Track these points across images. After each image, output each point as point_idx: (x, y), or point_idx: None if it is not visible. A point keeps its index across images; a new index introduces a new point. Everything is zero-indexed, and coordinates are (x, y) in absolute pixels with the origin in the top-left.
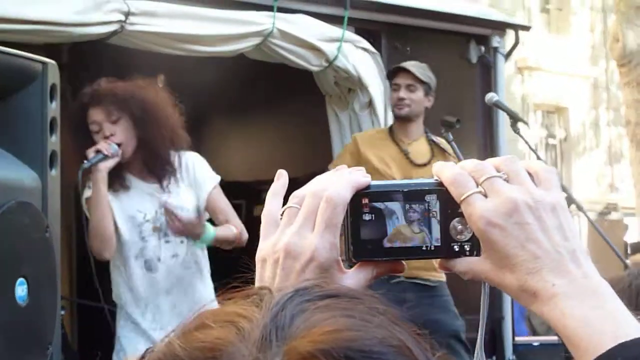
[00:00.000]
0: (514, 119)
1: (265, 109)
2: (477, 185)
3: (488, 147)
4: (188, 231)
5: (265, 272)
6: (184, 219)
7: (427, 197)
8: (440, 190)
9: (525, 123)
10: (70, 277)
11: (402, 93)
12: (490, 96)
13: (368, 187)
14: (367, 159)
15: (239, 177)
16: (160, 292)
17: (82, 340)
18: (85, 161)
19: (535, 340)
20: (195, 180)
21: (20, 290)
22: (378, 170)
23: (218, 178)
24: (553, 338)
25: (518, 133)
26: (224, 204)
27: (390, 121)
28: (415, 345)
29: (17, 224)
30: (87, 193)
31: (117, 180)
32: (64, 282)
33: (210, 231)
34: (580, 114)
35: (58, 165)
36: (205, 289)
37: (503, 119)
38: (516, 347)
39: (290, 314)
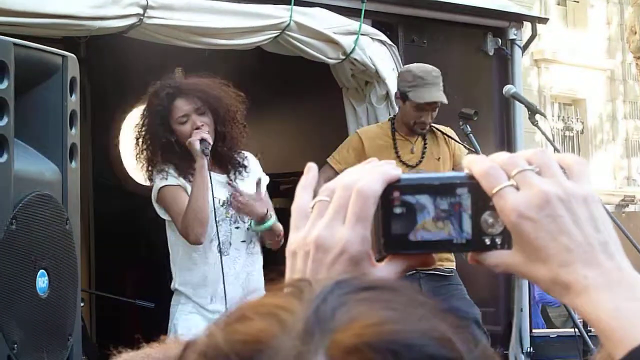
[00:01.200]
0: (532, 111)
1: (282, 102)
2: (509, 178)
3: (505, 139)
4: (250, 208)
5: (295, 265)
6: (246, 195)
7: (459, 190)
8: (472, 183)
9: (543, 115)
10: (89, 269)
11: (429, 118)
12: (508, 88)
13: (399, 180)
14: (369, 154)
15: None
16: (229, 276)
17: (100, 332)
18: (202, 148)
19: (553, 332)
20: (255, 177)
21: (41, 282)
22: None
23: (268, 179)
24: (570, 330)
25: (536, 125)
26: (271, 204)
27: None
28: (457, 337)
29: (38, 216)
30: (162, 183)
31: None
32: (83, 274)
33: (271, 218)
34: (597, 107)
35: (78, 157)
36: (261, 278)
37: (520, 111)
38: (533, 339)
39: (332, 306)
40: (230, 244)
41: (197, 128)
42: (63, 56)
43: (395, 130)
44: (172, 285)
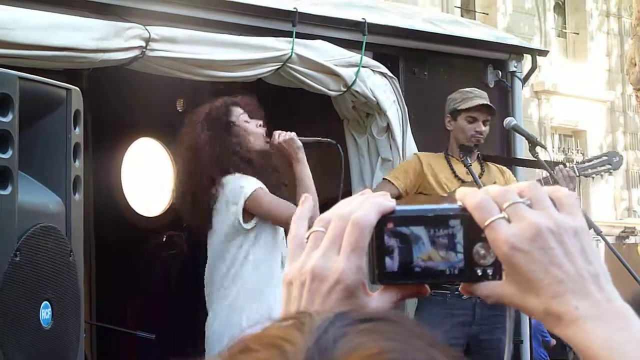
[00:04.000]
0: (532, 143)
1: None
2: (501, 210)
3: None
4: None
5: (291, 295)
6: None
7: (451, 222)
8: (464, 215)
9: (544, 147)
10: (90, 300)
11: (484, 127)
12: (509, 120)
13: (393, 211)
14: (427, 179)
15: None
16: None
17: None
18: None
19: None
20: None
21: (45, 313)
22: (441, 186)
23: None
24: None
25: (536, 157)
26: None
27: (409, 146)
28: None
29: (42, 248)
30: (256, 184)
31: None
32: (84, 305)
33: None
34: (598, 138)
35: (81, 190)
36: None
37: (521, 143)
38: None
39: (333, 337)
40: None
41: (260, 125)
42: (67, 89)
43: (450, 155)
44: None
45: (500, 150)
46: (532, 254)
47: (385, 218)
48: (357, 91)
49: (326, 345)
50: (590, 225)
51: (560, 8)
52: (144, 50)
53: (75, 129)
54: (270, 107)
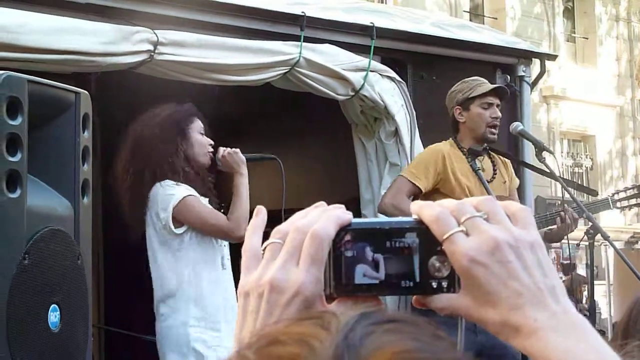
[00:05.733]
0: (539, 148)
1: (290, 138)
2: (459, 224)
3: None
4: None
5: (248, 306)
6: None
7: (407, 235)
8: (420, 228)
9: (551, 152)
10: (98, 304)
11: (498, 113)
12: (515, 125)
13: (350, 224)
14: (448, 178)
15: (265, 206)
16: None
17: None
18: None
19: None
20: None
21: (53, 316)
22: (461, 185)
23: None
24: None
25: (543, 162)
26: None
27: (417, 150)
28: None
29: (50, 251)
30: (186, 192)
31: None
32: (92, 309)
33: None
34: (607, 143)
35: (90, 193)
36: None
37: (529, 148)
38: None
39: (360, 335)
40: (226, 258)
41: (211, 144)
42: (76, 93)
43: (461, 147)
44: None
45: None
46: (491, 267)
47: (343, 230)
48: (365, 95)
49: (354, 342)
50: (598, 230)
51: (569, 12)
52: (152, 54)
53: (84, 132)
54: (278, 111)
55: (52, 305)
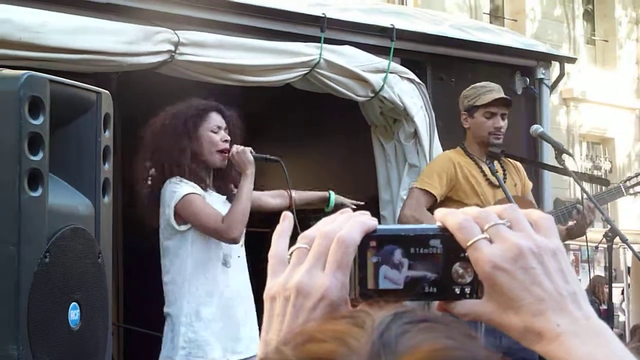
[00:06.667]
0: (559, 150)
1: (310, 139)
2: (483, 231)
3: (533, 178)
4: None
5: (274, 310)
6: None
7: (432, 242)
8: (444, 235)
9: (570, 155)
10: (117, 302)
11: (502, 122)
12: (535, 128)
13: (375, 230)
14: (461, 185)
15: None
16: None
17: None
18: (255, 153)
19: None
20: None
21: (73, 314)
22: (474, 190)
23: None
24: None
25: (563, 164)
26: None
27: (436, 152)
28: None
29: (71, 249)
30: (188, 189)
31: (205, 181)
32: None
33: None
34: (626, 146)
35: (110, 192)
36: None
37: (548, 150)
38: None
39: (395, 333)
40: (231, 256)
41: (226, 141)
42: (97, 92)
43: (469, 153)
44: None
45: (527, 157)
46: (514, 274)
47: (368, 236)
48: (384, 97)
49: (389, 340)
50: (617, 233)
51: (589, 15)
52: (173, 54)
53: (105, 132)
54: (298, 112)
55: (73, 303)
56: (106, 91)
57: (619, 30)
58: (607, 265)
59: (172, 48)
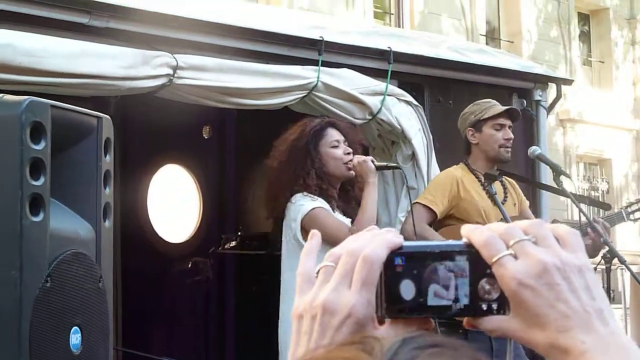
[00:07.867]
0: (557, 172)
1: None
2: (508, 247)
3: (530, 200)
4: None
5: (302, 328)
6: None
7: (457, 258)
8: (470, 251)
9: (568, 176)
10: (117, 326)
11: (511, 134)
12: (533, 149)
13: (401, 247)
14: (463, 198)
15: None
16: None
17: None
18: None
19: None
20: None
21: (75, 338)
22: (476, 207)
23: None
24: None
25: (560, 186)
26: None
27: (434, 174)
28: None
29: (73, 274)
30: (313, 204)
31: (330, 194)
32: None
33: None
34: (623, 167)
35: (111, 216)
36: None
37: (546, 172)
38: None
39: (404, 359)
40: None
41: (349, 153)
42: (98, 117)
43: (473, 170)
44: None
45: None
46: (539, 290)
47: (394, 254)
48: (382, 119)
49: None
50: (615, 254)
51: (585, 36)
52: (172, 78)
53: (105, 156)
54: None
55: (74, 327)
56: (107, 116)
57: (615, 51)
58: (606, 286)
59: (171, 72)
